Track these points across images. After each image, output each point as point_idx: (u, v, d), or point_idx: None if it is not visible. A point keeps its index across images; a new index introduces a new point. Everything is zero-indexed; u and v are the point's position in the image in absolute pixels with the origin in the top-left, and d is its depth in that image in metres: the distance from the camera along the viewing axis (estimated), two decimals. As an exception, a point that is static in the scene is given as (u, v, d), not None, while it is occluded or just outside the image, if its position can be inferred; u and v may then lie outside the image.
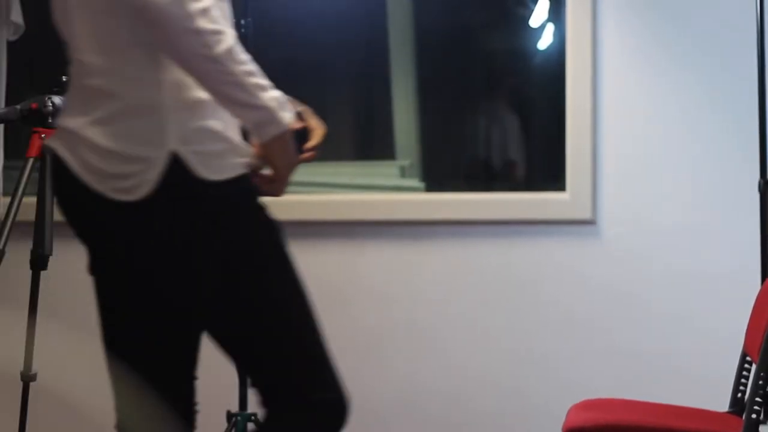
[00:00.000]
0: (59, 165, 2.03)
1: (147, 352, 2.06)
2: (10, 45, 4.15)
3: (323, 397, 2.08)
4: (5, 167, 4.07)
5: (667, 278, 3.72)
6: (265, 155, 2.04)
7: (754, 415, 2.59)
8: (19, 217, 3.17)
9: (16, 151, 4.07)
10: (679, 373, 3.67)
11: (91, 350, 4.05)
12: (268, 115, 1.98)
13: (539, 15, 4.07)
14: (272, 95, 1.98)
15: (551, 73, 3.93)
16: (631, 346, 3.74)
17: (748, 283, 3.35)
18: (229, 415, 3.57)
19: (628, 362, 3.73)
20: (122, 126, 1.96)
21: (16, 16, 4.10)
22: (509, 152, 4.22)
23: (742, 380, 3.03)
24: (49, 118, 3.19)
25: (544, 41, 4.07)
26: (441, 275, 3.90)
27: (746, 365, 3.04)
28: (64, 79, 3.24)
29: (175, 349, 2.08)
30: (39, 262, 3.22)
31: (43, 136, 3.19)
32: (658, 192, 3.76)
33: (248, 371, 2.15)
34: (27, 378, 3.32)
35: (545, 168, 4.11)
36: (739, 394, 3.03)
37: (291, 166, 2.07)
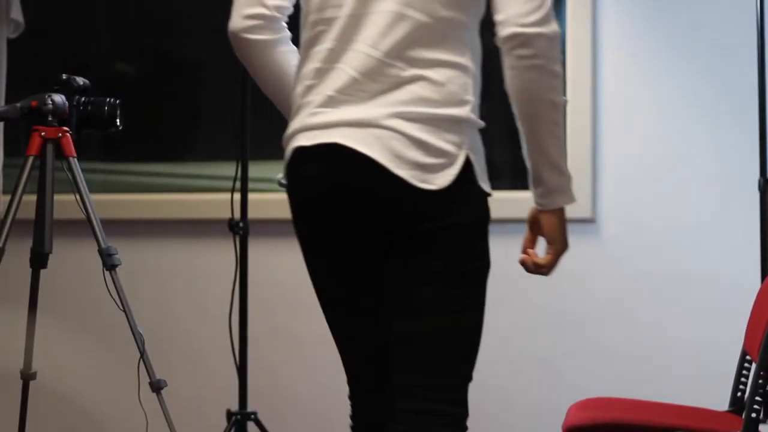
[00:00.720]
0: (336, 154, 2.07)
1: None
2: (10, 43, 4.15)
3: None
4: (5, 165, 4.07)
5: (666, 277, 3.72)
6: (543, 226, 2.16)
7: (753, 414, 2.59)
8: (18, 215, 3.17)
9: (16, 149, 4.07)
10: (679, 372, 3.67)
11: (90, 348, 4.07)
12: (566, 183, 2.12)
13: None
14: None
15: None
16: (631, 345, 3.73)
17: (748, 282, 3.35)
18: (229, 414, 3.57)
19: (627, 361, 3.73)
20: (434, 125, 2.06)
21: (16, 13, 4.10)
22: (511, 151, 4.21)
23: (742, 379, 3.03)
24: (49, 116, 3.17)
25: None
26: (441, 274, 3.89)
27: (746, 364, 3.04)
28: (64, 77, 3.23)
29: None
30: (39, 260, 3.21)
31: (43, 134, 3.18)
32: (658, 191, 3.76)
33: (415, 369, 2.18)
34: (27, 376, 3.32)
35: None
36: (739, 393, 3.03)
37: (566, 246, 2.16)
